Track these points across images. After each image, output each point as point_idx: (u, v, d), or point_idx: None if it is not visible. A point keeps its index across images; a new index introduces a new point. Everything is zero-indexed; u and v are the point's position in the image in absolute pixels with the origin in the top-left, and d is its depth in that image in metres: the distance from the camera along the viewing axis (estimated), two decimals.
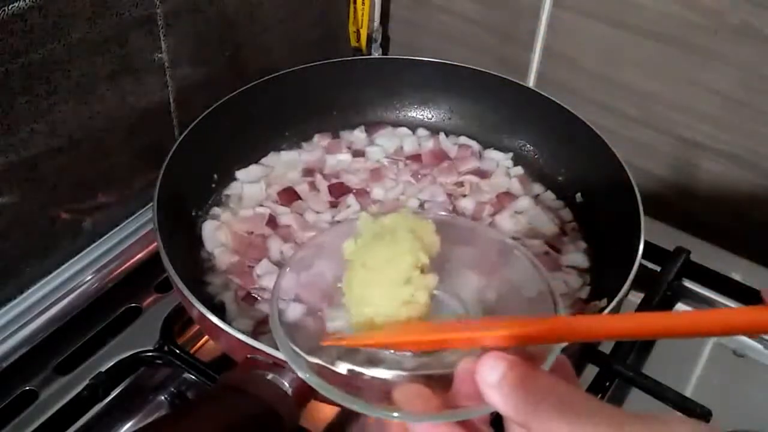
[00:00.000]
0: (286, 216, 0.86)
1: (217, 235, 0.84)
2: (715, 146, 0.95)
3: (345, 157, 0.96)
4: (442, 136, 1.00)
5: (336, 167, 0.95)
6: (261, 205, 0.88)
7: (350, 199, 0.89)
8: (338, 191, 0.90)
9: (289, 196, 0.89)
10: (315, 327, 0.72)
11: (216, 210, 0.87)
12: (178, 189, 0.81)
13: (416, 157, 0.97)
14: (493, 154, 0.98)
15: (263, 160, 0.95)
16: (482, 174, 0.95)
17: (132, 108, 0.85)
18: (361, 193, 0.90)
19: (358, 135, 1.00)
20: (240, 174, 0.92)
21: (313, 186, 0.91)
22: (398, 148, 0.98)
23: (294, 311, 0.74)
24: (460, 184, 0.93)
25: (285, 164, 0.95)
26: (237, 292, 0.78)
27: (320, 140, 0.99)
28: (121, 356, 0.77)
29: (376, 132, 1.01)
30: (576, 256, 0.84)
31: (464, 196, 0.91)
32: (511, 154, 0.98)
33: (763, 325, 0.42)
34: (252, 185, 0.91)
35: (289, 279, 0.59)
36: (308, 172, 0.93)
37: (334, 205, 0.89)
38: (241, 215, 0.86)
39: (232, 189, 0.90)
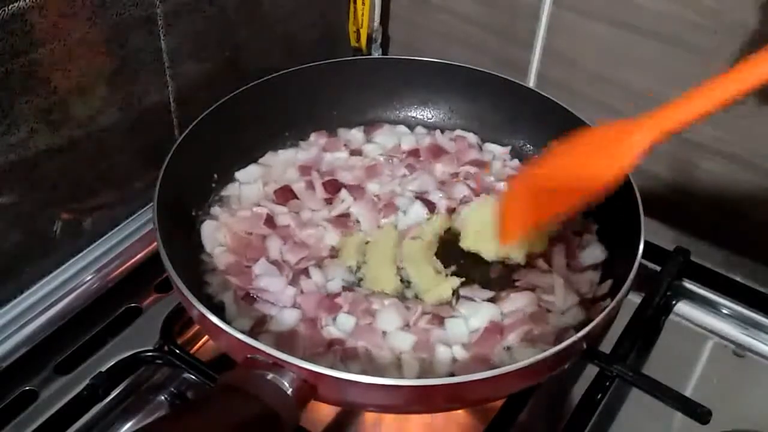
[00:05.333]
0: (283, 215, 0.86)
1: (216, 235, 0.83)
2: (715, 146, 0.95)
3: (342, 154, 0.96)
4: (438, 132, 1.01)
5: (332, 164, 0.95)
6: (258, 205, 0.87)
7: (343, 193, 0.89)
8: (332, 188, 0.90)
9: (285, 194, 0.89)
10: (310, 333, 0.73)
11: (215, 210, 0.87)
12: (178, 189, 0.81)
13: (414, 152, 0.97)
14: (491, 147, 0.99)
15: (261, 160, 0.95)
16: (481, 164, 0.95)
17: (132, 108, 0.85)
18: (356, 189, 0.91)
19: (356, 134, 1.00)
20: (239, 174, 0.92)
21: (309, 184, 0.91)
22: (396, 146, 0.99)
23: (290, 317, 0.76)
24: (455, 175, 0.94)
25: (282, 163, 0.95)
26: (236, 291, 0.78)
27: (317, 138, 0.99)
28: (121, 356, 0.77)
29: (375, 131, 1.01)
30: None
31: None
32: (509, 148, 0.99)
33: None
34: (249, 185, 0.91)
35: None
36: (304, 170, 0.93)
37: (329, 202, 0.89)
38: (240, 215, 0.86)
39: (231, 189, 0.90)
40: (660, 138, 0.61)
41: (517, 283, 0.81)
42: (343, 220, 0.87)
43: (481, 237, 0.85)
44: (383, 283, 0.79)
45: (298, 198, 0.89)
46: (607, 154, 0.63)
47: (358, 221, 0.87)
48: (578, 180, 0.66)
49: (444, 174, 0.94)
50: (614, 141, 0.63)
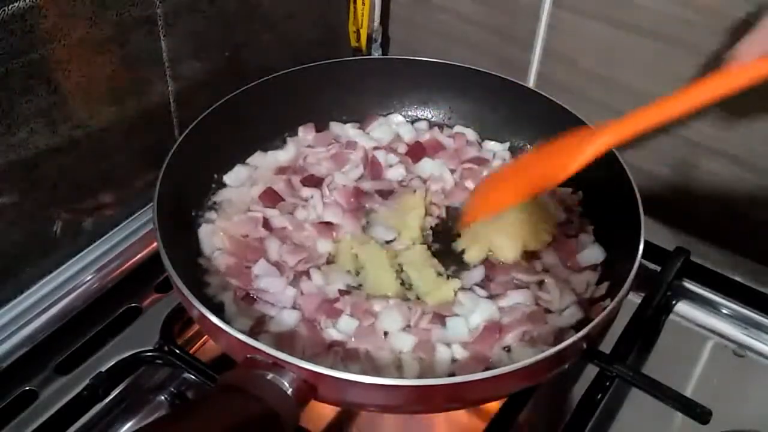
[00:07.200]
0: (279, 218, 0.86)
1: (213, 239, 0.83)
2: (715, 146, 0.95)
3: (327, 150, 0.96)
4: (436, 129, 1.01)
5: (319, 157, 0.95)
6: (250, 210, 0.86)
7: (305, 191, 0.89)
8: (310, 182, 0.90)
9: (272, 197, 0.88)
10: (310, 334, 0.73)
11: (211, 214, 0.87)
12: (178, 189, 0.81)
13: (415, 147, 0.98)
14: (490, 145, 1.00)
15: (248, 160, 0.94)
16: (481, 162, 0.96)
17: (132, 108, 0.85)
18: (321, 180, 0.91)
19: (347, 129, 1.00)
20: (227, 178, 0.91)
21: (288, 183, 0.90)
22: (391, 140, 0.99)
23: (289, 318, 0.75)
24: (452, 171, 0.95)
25: (269, 163, 0.94)
26: (236, 292, 0.78)
27: (305, 133, 0.98)
28: (121, 356, 0.77)
29: (369, 124, 1.01)
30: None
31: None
32: (507, 144, 0.99)
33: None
34: (238, 189, 0.90)
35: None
36: (282, 170, 0.93)
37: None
38: (235, 220, 0.85)
39: (223, 193, 0.89)
40: (611, 147, 0.70)
41: (501, 278, 0.81)
42: (326, 227, 0.85)
43: (472, 237, 0.85)
44: (384, 287, 0.79)
45: (284, 199, 0.88)
46: (565, 156, 0.71)
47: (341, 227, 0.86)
48: (538, 175, 0.76)
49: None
50: (574, 145, 0.71)
